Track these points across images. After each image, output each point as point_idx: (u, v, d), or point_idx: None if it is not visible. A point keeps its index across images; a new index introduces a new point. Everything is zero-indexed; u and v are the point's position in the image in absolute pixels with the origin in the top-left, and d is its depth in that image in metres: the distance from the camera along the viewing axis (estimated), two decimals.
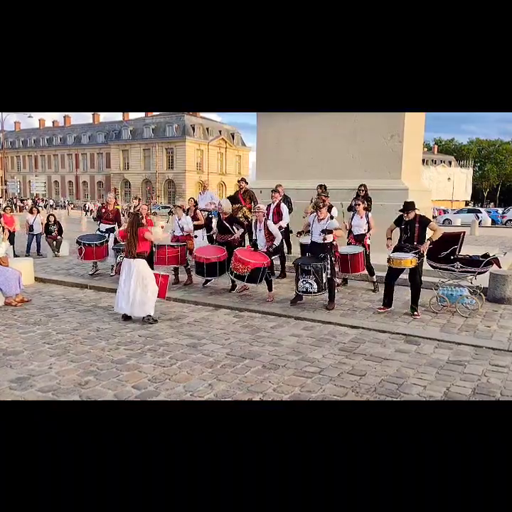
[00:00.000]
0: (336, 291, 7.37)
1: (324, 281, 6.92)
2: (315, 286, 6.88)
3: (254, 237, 7.99)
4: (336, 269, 7.42)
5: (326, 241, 7.08)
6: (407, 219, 6.79)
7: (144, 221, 6.85)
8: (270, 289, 7.73)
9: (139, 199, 16.22)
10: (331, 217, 7.21)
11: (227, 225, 8.24)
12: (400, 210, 6.88)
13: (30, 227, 13.43)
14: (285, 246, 9.50)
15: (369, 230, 8.23)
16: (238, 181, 10.75)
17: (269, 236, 7.69)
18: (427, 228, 6.82)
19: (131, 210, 8.31)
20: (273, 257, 7.93)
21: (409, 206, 6.77)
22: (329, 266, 7.00)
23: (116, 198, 12.00)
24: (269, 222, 7.84)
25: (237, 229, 8.26)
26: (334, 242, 7.29)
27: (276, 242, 7.78)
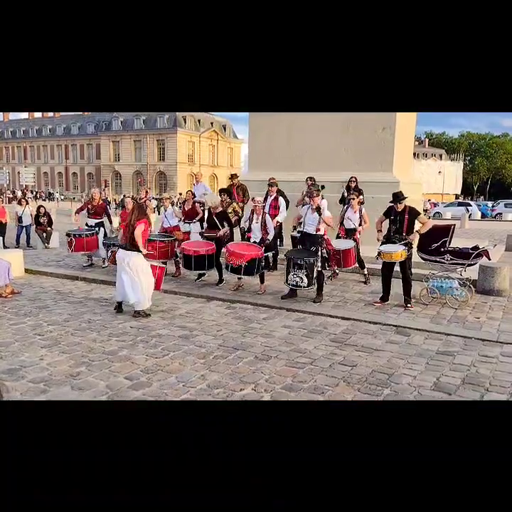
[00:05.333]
0: (325, 283, 7.40)
1: (315, 275, 6.93)
2: (305, 280, 6.86)
3: (244, 227, 7.97)
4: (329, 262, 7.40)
5: (318, 232, 7.08)
6: (397, 210, 6.81)
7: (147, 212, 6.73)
8: (262, 281, 7.74)
9: (146, 192, 13.49)
10: (319, 211, 7.05)
11: (217, 220, 8.21)
12: (391, 202, 6.89)
13: (19, 219, 13.33)
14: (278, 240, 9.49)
15: (360, 224, 8.24)
16: (230, 178, 10.70)
17: (265, 229, 7.68)
18: (416, 220, 6.85)
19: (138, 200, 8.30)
20: (267, 253, 7.91)
21: (399, 197, 6.76)
22: (320, 259, 7.01)
23: (103, 191, 11.68)
24: (267, 217, 7.81)
25: (225, 226, 8.24)
26: (326, 236, 7.27)
27: (269, 237, 7.74)
